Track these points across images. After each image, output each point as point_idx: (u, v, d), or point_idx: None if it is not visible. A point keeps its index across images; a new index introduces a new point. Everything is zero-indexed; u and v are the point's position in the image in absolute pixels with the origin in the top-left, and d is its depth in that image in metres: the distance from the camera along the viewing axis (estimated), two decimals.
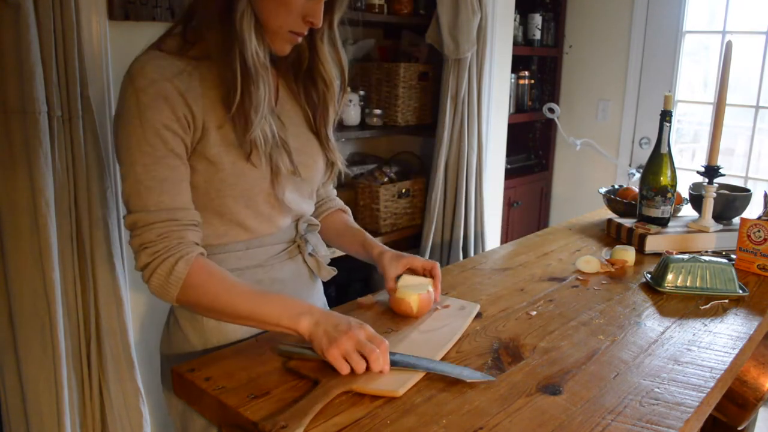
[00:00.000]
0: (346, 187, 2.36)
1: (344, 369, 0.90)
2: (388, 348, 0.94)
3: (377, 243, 1.25)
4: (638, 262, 1.48)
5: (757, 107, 2.90)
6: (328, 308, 1.25)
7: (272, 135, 1.05)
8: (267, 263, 1.13)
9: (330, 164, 1.20)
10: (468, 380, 0.91)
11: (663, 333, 1.11)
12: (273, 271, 1.13)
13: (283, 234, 1.15)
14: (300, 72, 1.15)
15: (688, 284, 1.29)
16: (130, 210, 0.98)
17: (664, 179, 1.58)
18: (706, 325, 1.15)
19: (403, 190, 2.45)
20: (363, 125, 2.39)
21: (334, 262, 1.27)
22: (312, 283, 1.23)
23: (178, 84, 0.97)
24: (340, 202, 1.36)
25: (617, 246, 1.50)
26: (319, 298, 1.27)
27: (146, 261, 0.96)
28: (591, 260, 1.41)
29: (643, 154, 3.20)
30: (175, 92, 0.97)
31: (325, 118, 1.17)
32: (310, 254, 1.19)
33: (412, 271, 1.19)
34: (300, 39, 1.07)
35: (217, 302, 0.98)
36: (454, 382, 0.91)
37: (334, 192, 1.37)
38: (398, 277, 1.16)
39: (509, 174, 3.08)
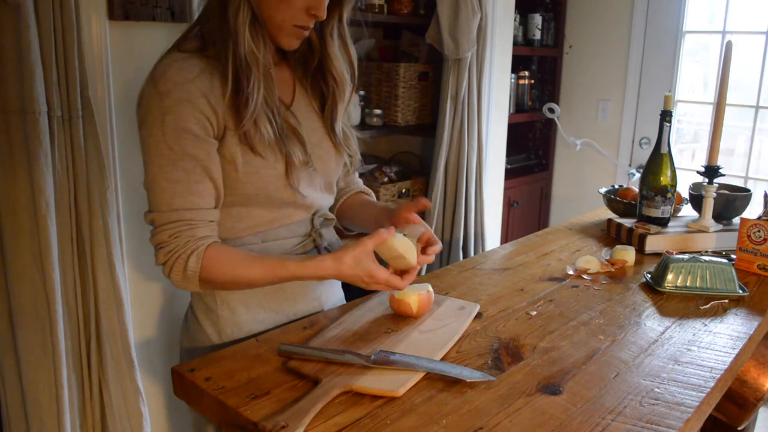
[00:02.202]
0: None
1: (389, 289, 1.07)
2: (411, 275, 1.07)
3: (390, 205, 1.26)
4: (638, 262, 1.48)
5: (757, 107, 2.90)
6: (344, 302, 1.27)
7: (277, 128, 1.05)
8: None
9: (348, 156, 1.22)
10: (468, 380, 0.91)
11: (663, 333, 1.11)
12: None
13: (298, 227, 1.16)
14: (310, 68, 1.16)
15: (688, 284, 1.29)
16: (149, 208, 1.02)
17: (664, 179, 1.58)
18: (706, 325, 1.15)
19: (403, 190, 2.45)
20: (363, 125, 2.39)
21: None
22: None
23: (201, 85, 0.99)
24: (362, 186, 1.37)
25: (617, 246, 1.50)
26: (336, 293, 1.28)
27: (163, 259, 1.01)
28: (591, 260, 1.41)
29: (643, 154, 3.20)
30: (198, 93, 0.98)
31: (334, 113, 1.18)
32: (326, 248, 1.19)
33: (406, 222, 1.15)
34: (307, 33, 1.07)
35: (236, 282, 1.03)
36: (454, 382, 0.91)
37: (360, 181, 1.39)
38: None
39: (509, 174, 3.08)
